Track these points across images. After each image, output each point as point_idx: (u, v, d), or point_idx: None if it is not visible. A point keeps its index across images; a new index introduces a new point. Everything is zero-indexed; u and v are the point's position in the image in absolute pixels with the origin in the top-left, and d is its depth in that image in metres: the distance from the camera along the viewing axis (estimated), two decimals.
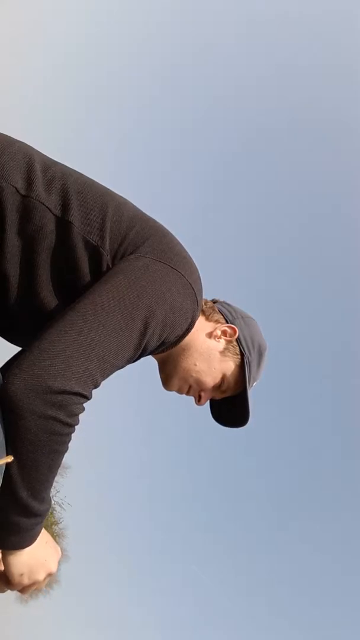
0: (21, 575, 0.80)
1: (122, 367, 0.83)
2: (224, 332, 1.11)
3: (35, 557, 0.80)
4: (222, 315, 1.13)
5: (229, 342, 1.11)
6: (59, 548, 0.86)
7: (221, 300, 1.18)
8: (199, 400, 1.13)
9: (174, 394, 1.15)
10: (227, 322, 1.12)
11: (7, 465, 0.72)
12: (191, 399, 1.14)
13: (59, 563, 0.86)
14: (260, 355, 1.17)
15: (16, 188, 0.83)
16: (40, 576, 0.82)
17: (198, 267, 0.98)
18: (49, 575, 0.84)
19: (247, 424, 1.16)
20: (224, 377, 1.11)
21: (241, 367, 1.12)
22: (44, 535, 0.83)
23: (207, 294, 1.15)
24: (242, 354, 1.12)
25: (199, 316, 1.00)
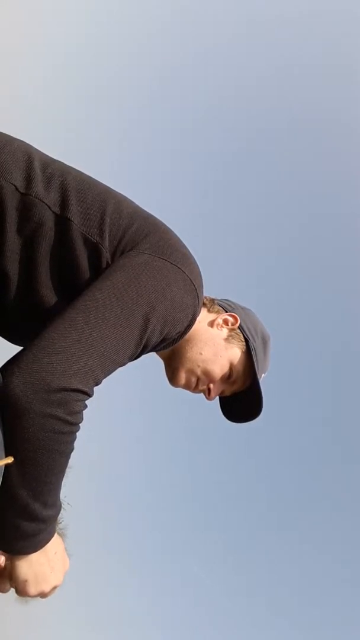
0: (25, 582, 0.77)
1: (123, 364, 0.82)
2: (225, 321, 1.11)
3: (41, 566, 0.77)
4: (221, 307, 1.13)
5: (231, 330, 1.11)
6: (67, 560, 0.83)
7: (219, 298, 1.18)
8: (208, 394, 1.12)
9: (175, 393, 1.13)
10: (226, 312, 1.12)
11: (8, 466, 0.71)
12: (194, 398, 1.13)
13: (65, 576, 0.83)
14: (264, 343, 1.16)
15: (15, 186, 0.83)
16: (46, 588, 0.79)
17: (199, 264, 0.97)
18: (55, 588, 0.80)
19: (261, 414, 1.14)
20: (232, 366, 1.10)
21: (247, 353, 1.11)
22: (54, 545, 0.80)
23: (208, 292, 1.15)
24: (246, 340, 1.11)
25: (200, 312, 0.99)
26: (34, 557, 0.77)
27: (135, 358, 0.87)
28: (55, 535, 0.81)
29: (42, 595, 0.80)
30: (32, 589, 0.77)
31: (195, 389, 1.12)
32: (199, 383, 1.10)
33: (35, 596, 0.80)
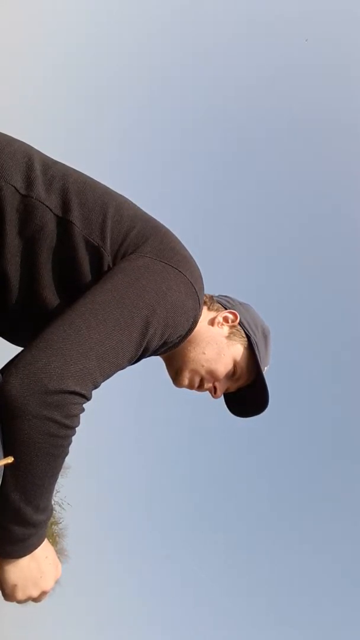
0: (14, 586, 0.76)
1: (123, 367, 0.82)
2: (225, 319, 1.10)
3: (30, 570, 0.76)
4: (220, 304, 1.13)
5: (232, 327, 1.11)
6: (60, 566, 0.82)
7: (217, 294, 1.18)
8: (214, 392, 1.12)
9: (176, 392, 1.13)
10: (226, 309, 1.12)
11: (5, 467, 0.70)
12: (195, 397, 1.13)
13: (56, 582, 0.81)
14: (265, 337, 1.17)
15: (16, 188, 0.82)
16: (34, 592, 0.77)
17: (199, 266, 0.97)
18: (44, 593, 0.79)
19: (267, 407, 1.14)
20: (235, 363, 1.10)
21: (250, 349, 1.11)
22: (44, 549, 0.78)
23: (208, 290, 1.15)
24: (248, 336, 1.11)
25: (201, 315, 0.99)
26: (24, 561, 0.76)
27: (136, 362, 0.86)
28: (45, 540, 0.80)
29: (30, 599, 0.79)
30: (20, 594, 0.77)
31: (199, 389, 1.12)
32: (204, 382, 1.10)
33: (24, 601, 0.78)
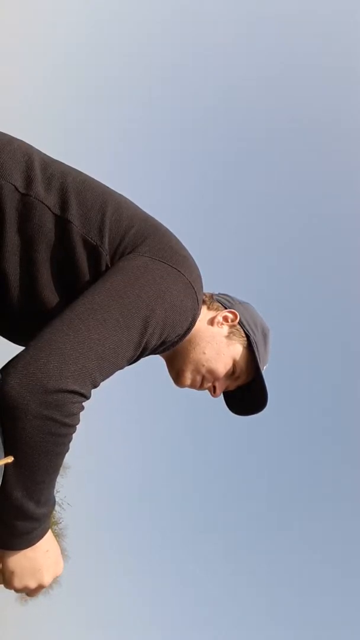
0: (12, 573, 0.77)
1: (122, 367, 0.82)
2: (225, 318, 1.11)
3: (30, 561, 0.77)
4: (220, 303, 1.14)
5: (232, 326, 1.11)
6: (61, 564, 0.82)
7: (216, 293, 1.19)
8: (214, 392, 1.13)
9: (177, 392, 1.14)
10: (226, 309, 1.13)
11: (5, 465, 0.71)
12: (196, 398, 1.14)
13: (55, 580, 0.81)
14: (264, 336, 1.18)
15: (15, 186, 0.83)
16: (31, 583, 0.78)
17: (199, 265, 0.97)
18: (40, 587, 0.80)
19: (266, 406, 1.16)
20: (234, 362, 1.11)
21: (249, 349, 1.12)
22: (47, 542, 0.79)
23: (208, 291, 1.15)
24: (247, 336, 1.12)
25: (199, 314, 0.99)
26: (25, 551, 0.77)
27: (134, 361, 0.87)
28: (50, 534, 0.81)
29: (27, 590, 0.79)
30: (17, 582, 0.77)
31: (200, 388, 1.13)
32: (204, 382, 1.11)
33: (20, 590, 0.79)
